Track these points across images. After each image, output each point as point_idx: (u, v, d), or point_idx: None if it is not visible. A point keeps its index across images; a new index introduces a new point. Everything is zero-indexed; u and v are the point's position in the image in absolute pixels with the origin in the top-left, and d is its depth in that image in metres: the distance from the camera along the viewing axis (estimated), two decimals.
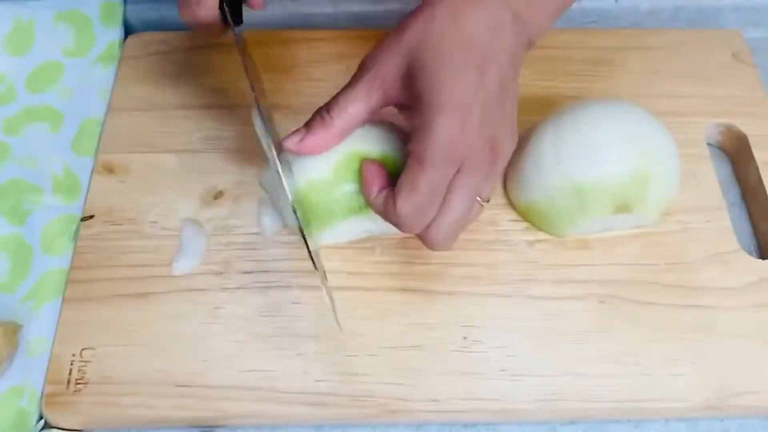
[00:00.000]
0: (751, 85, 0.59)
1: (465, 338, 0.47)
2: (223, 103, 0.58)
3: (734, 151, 0.57)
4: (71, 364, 0.47)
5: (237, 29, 0.45)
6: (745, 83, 0.59)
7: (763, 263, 0.51)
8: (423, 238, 0.43)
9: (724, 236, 0.51)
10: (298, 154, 0.44)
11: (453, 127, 0.39)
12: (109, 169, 0.55)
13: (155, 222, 0.52)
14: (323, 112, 0.43)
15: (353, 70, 0.43)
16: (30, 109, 0.59)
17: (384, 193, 0.43)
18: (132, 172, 0.54)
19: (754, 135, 0.56)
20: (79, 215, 0.53)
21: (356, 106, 0.43)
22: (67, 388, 0.46)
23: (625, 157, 0.48)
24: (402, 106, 0.43)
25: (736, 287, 0.49)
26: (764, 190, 0.53)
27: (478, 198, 0.43)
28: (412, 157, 0.40)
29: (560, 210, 0.49)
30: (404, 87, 0.41)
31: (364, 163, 0.45)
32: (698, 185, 0.53)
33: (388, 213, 0.42)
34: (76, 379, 0.46)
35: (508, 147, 0.42)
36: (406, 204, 0.40)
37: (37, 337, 0.48)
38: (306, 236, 0.44)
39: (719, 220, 0.52)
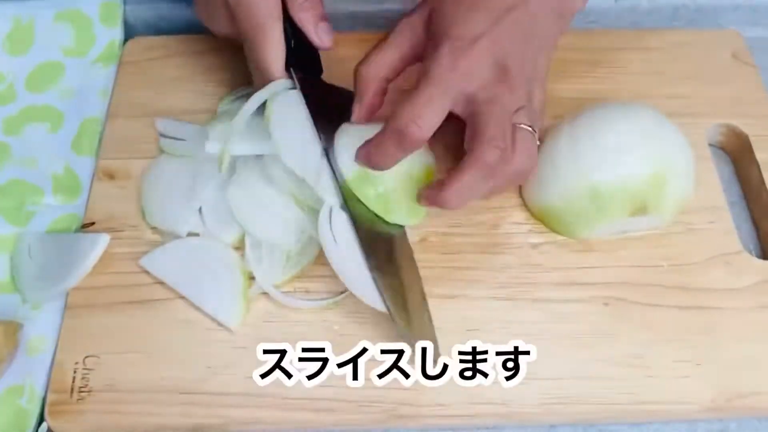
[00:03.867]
0: (752, 85, 0.59)
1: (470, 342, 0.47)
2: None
3: (735, 152, 0.57)
4: (74, 372, 0.46)
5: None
6: (745, 83, 0.59)
7: (765, 264, 0.51)
8: (447, 183, 0.44)
9: (727, 237, 0.51)
10: (359, 121, 0.48)
11: (457, 48, 0.44)
12: (110, 176, 0.54)
13: (157, 228, 0.52)
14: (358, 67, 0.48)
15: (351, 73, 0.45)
16: (30, 109, 0.59)
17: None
18: (133, 178, 0.54)
19: (756, 135, 0.56)
20: (79, 215, 0.53)
21: (390, 52, 0.48)
22: (71, 396, 0.46)
23: (642, 159, 0.48)
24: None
25: (740, 288, 0.49)
26: (766, 191, 0.53)
27: (526, 126, 0.45)
28: (420, 77, 0.44)
29: (578, 213, 0.49)
30: (426, 34, 0.47)
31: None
32: (701, 186, 0.53)
33: (402, 116, 0.43)
34: (80, 387, 0.46)
35: (538, 94, 0.48)
36: (424, 110, 0.43)
37: (38, 336, 0.48)
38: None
39: (722, 221, 0.52)
